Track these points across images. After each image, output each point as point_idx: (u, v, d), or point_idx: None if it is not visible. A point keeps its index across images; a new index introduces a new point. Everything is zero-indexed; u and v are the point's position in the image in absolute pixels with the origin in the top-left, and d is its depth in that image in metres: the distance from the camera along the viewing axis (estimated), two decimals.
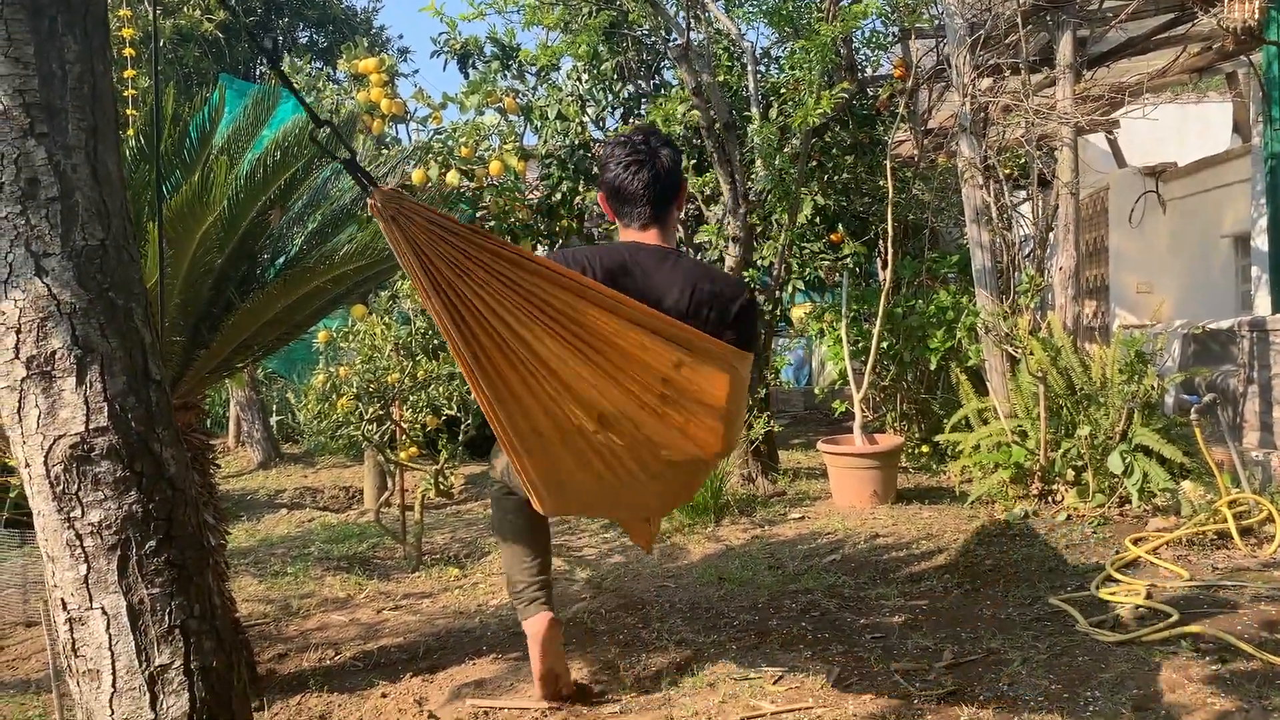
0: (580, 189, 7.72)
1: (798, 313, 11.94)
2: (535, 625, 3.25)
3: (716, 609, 4.28)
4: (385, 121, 6.56)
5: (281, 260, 3.60)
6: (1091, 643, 3.63)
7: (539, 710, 3.28)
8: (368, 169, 3.79)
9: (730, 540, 5.42)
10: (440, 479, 6.59)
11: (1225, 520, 4.82)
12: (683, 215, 5.91)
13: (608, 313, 2.27)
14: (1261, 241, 6.94)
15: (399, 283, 5.53)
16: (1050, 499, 5.55)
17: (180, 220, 2.69)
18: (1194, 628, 3.61)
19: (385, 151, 6.76)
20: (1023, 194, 7.25)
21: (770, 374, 6.66)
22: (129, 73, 5.41)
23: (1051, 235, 6.26)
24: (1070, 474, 5.49)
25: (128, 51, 5.47)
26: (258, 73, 9.06)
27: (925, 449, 6.95)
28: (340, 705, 3.50)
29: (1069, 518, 5.31)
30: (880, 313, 6.45)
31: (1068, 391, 5.62)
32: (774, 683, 3.43)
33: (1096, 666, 3.39)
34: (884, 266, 6.48)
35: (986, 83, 6.54)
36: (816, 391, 7.13)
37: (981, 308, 6.00)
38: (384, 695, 3.54)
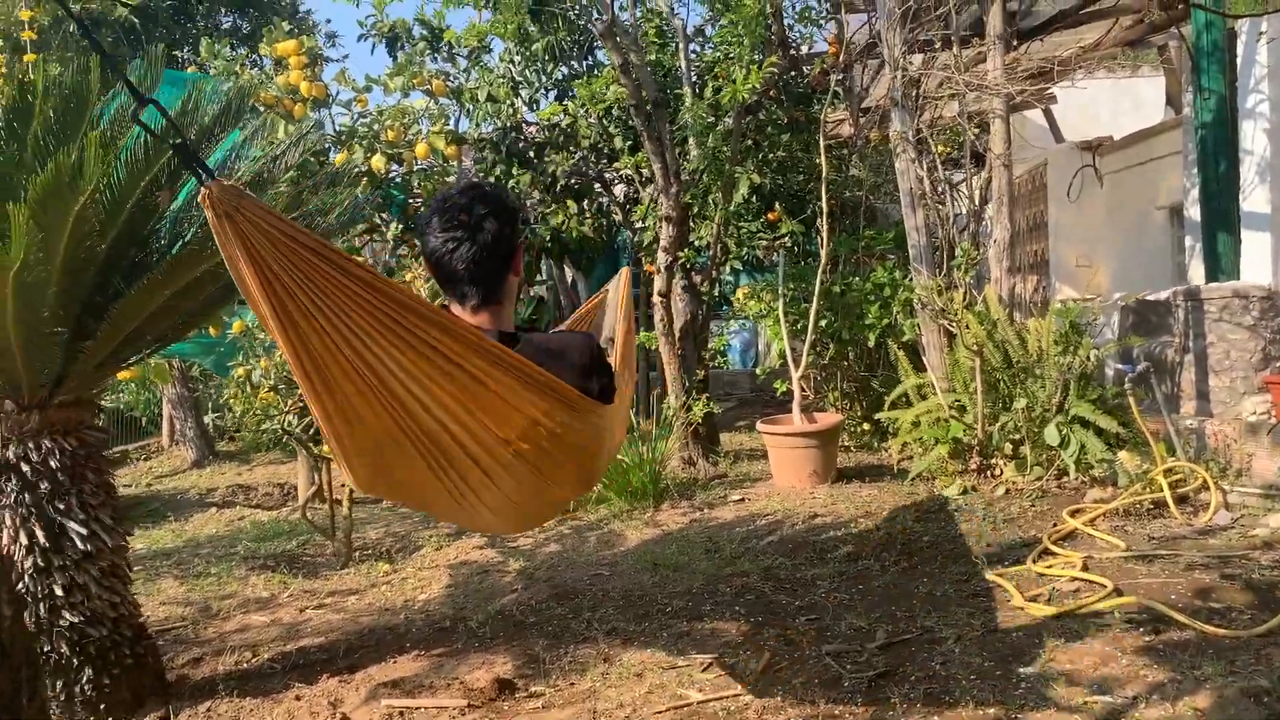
0: (514, 173, 7.56)
1: (740, 294, 11.91)
2: None
3: (650, 596, 4.17)
4: (307, 106, 6.36)
5: (178, 246, 3.41)
6: (1026, 618, 3.57)
7: (456, 708, 3.16)
8: (286, 154, 3.64)
9: (669, 525, 5.32)
10: None
11: (1161, 489, 4.80)
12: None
13: (470, 350, 2.07)
14: (1195, 212, 6.95)
15: None
16: (989, 473, 5.50)
17: (49, 202, 2.51)
18: (1127, 599, 3.56)
19: (307, 136, 6.55)
20: (960, 173, 7.22)
21: (708, 355, 6.56)
22: (29, 57, 5.15)
23: (987, 209, 6.21)
24: (1008, 447, 5.45)
25: (26, 34, 5.22)
26: (181, 57, 8.78)
27: (866, 426, 6.90)
28: (251, 710, 3.35)
29: (1007, 491, 5.27)
30: (817, 291, 6.37)
31: (1005, 365, 5.58)
32: (703, 670, 3.34)
33: (1030, 642, 3.33)
34: (823, 245, 6.40)
35: (919, 58, 6.48)
36: (758, 372, 7.05)
37: (916, 283, 5.94)
38: (298, 698, 3.39)
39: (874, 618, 3.71)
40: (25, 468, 3.14)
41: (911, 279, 6.09)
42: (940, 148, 6.68)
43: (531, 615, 4.06)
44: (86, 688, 3.26)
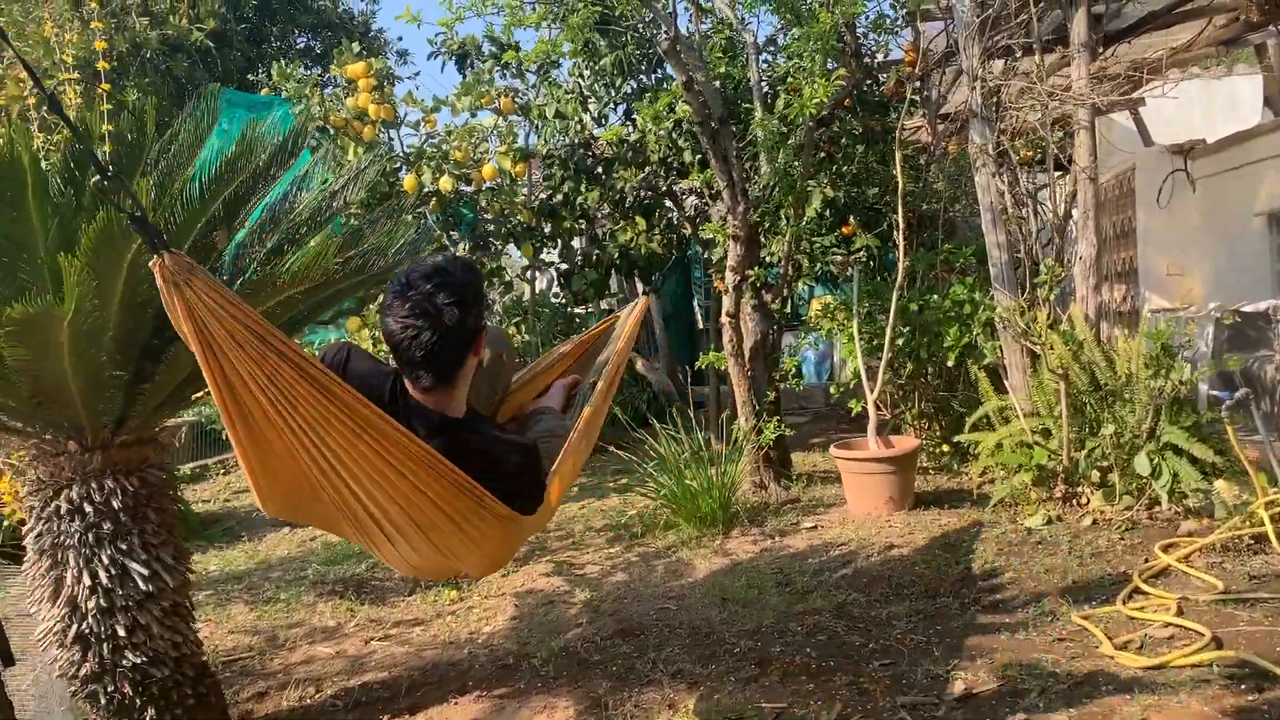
0: (583, 189, 7.49)
1: (816, 305, 11.69)
2: None
3: (718, 634, 4.05)
4: (375, 127, 6.36)
5: (239, 283, 3.40)
6: (1116, 669, 3.36)
7: None
8: (356, 177, 3.60)
9: (738, 554, 5.18)
10: None
11: (1262, 523, 4.52)
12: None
13: (396, 447, 2.18)
14: None
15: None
16: (1075, 502, 5.26)
17: (101, 250, 2.49)
18: (1227, 652, 3.33)
19: (366, 171, 6.58)
20: (1043, 178, 6.94)
21: (779, 375, 6.40)
22: (104, 87, 5.22)
23: (1071, 222, 5.96)
24: (1095, 475, 5.20)
25: (102, 65, 5.28)
26: (255, 80, 8.91)
27: (945, 448, 6.67)
28: None
29: (1095, 522, 5.02)
30: (893, 309, 6.17)
31: (1091, 387, 5.33)
32: None
33: (1120, 699, 3.13)
34: (900, 259, 6.20)
35: (999, 65, 6.25)
36: (832, 390, 6.87)
37: (997, 302, 5.72)
38: None
39: (952, 664, 3.54)
40: (88, 508, 3.13)
41: (993, 297, 5.86)
42: (1024, 151, 6.42)
43: (596, 653, 3.96)
44: None
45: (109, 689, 3.19)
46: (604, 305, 10.09)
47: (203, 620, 4.78)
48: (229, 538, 6.77)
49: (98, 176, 1.84)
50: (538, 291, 8.48)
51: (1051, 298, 5.67)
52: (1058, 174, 6.53)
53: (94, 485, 3.15)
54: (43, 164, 2.78)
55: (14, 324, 2.46)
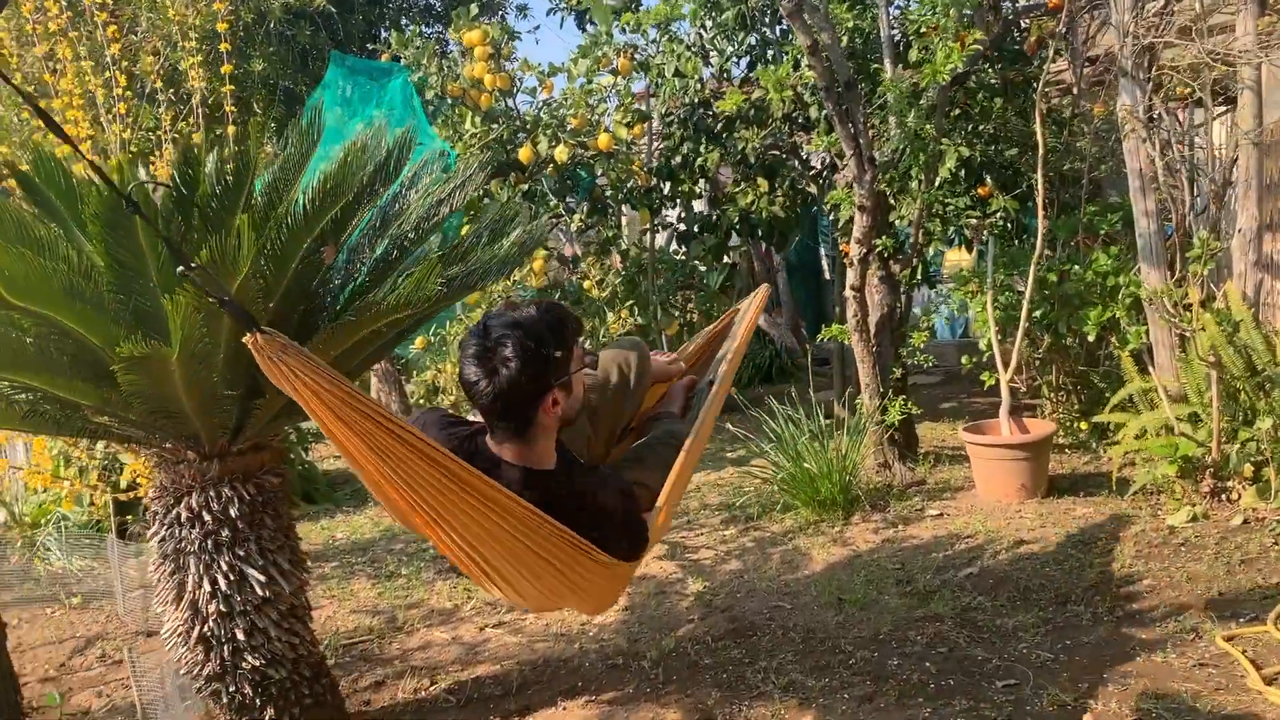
0: (702, 150, 7.29)
1: (953, 255, 11.20)
2: None
3: (833, 640, 3.94)
4: (492, 95, 6.29)
5: (349, 289, 3.39)
6: (1264, 706, 3.12)
7: None
8: (463, 184, 3.54)
9: (858, 543, 5.03)
10: None
11: None
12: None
13: (492, 505, 2.17)
14: None
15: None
16: (1224, 497, 4.91)
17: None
18: None
19: (494, 126, 6.52)
20: (1201, 117, 6.39)
21: (907, 352, 6.14)
22: (226, 68, 5.28)
23: (1231, 191, 5.49)
24: (1249, 470, 4.83)
25: (224, 46, 5.33)
26: (370, 48, 8.94)
27: (1084, 425, 6.32)
28: None
29: (1246, 522, 4.69)
30: (1030, 280, 5.83)
31: (1247, 373, 4.93)
32: None
33: None
34: (1041, 224, 5.82)
35: (1153, 6, 5.74)
36: (964, 362, 6.56)
37: (1145, 281, 5.33)
38: None
39: (1081, 690, 3.34)
40: (207, 516, 3.20)
41: (1138, 272, 5.47)
42: (1180, 89, 5.92)
43: (706, 656, 3.90)
44: None
45: (230, 689, 3.29)
46: (726, 259, 9.93)
47: (327, 597, 4.93)
48: (357, 500, 6.95)
49: (181, 268, 1.82)
50: (658, 248, 8.35)
51: (1205, 273, 5.25)
52: (1220, 110, 6.01)
53: (212, 493, 3.21)
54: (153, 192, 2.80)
55: (125, 360, 2.48)
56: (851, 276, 5.89)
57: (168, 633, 3.34)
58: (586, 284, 5.37)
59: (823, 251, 11.71)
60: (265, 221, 2.79)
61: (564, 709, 3.58)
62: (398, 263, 3.35)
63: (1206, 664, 3.47)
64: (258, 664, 3.26)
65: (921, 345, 6.04)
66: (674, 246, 8.73)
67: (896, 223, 6.46)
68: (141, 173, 2.93)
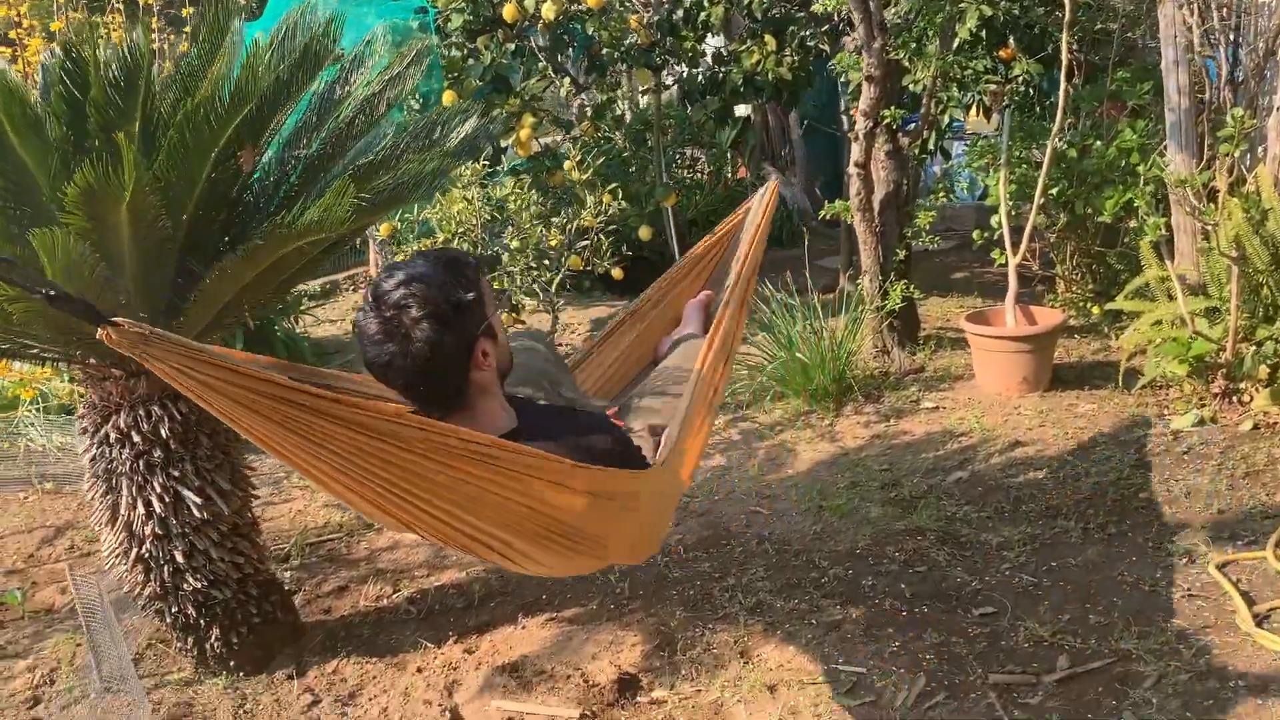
0: (706, 5, 6.77)
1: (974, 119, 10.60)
2: None
3: (808, 554, 3.79)
4: None
5: (284, 190, 3.09)
6: (1252, 655, 2.95)
7: (569, 718, 2.94)
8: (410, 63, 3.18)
9: (847, 439, 4.84)
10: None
11: None
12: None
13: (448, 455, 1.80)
14: None
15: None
16: (1236, 399, 4.65)
17: (96, 198, 2.22)
18: None
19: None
20: None
21: (911, 232, 5.77)
22: None
23: (1272, 60, 5.00)
24: (1264, 371, 4.55)
25: None
26: None
27: (1096, 310, 6.01)
28: (375, 679, 3.28)
29: (1256, 427, 4.44)
30: (1048, 155, 5.42)
31: (1273, 266, 4.59)
32: (845, 693, 2.96)
33: (1255, 698, 2.73)
34: (1064, 89, 5.37)
35: None
36: (975, 237, 6.21)
37: (1171, 163, 4.92)
38: (419, 670, 3.28)
39: (1060, 624, 3.18)
40: (136, 436, 3.02)
41: (1164, 152, 5.05)
42: None
43: (676, 569, 3.77)
44: (216, 644, 3.26)
45: (173, 610, 3.19)
46: (738, 111, 9.43)
47: (300, 487, 4.82)
48: (350, 369, 6.78)
49: None
50: (664, 103, 7.88)
51: (1237, 154, 4.84)
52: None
53: (141, 412, 3.02)
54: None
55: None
56: (856, 152, 5.50)
57: (106, 551, 3.22)
58: (567, 164, 5.00)
59: (842, 105, 11.13)
60: (164, 128, 2.49)
61: (523, 627, 3.47)
62: (333, 160, 3.05)
63: (1196, 595, 3.29)
64: (199, 586, 3.15)
65: (928, 226, 5.67)
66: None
67: (911, 87, 6.00)
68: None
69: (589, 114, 6.83)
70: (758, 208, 3.20)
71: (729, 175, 10.45)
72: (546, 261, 4.44)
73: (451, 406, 2.00)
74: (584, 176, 4.54)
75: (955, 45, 5.77)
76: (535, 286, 4.51)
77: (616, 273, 4.74)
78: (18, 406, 5.73)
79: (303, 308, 7.52)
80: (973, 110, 7.04)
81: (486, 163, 5.12)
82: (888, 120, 5.54)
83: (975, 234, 6.18)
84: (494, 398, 2.08)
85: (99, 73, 2.48)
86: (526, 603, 3.62)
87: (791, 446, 4.83)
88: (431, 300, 1.90)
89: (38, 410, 5.74)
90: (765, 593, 3.53)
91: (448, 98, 5.74)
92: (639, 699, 3.03)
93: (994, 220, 5.87)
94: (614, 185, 4.83)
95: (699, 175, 10.39)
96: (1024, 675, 2.95)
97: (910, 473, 4.40)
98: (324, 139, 3.09)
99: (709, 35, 7.06)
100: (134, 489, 3.05)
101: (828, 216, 6.04)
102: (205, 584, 3.15)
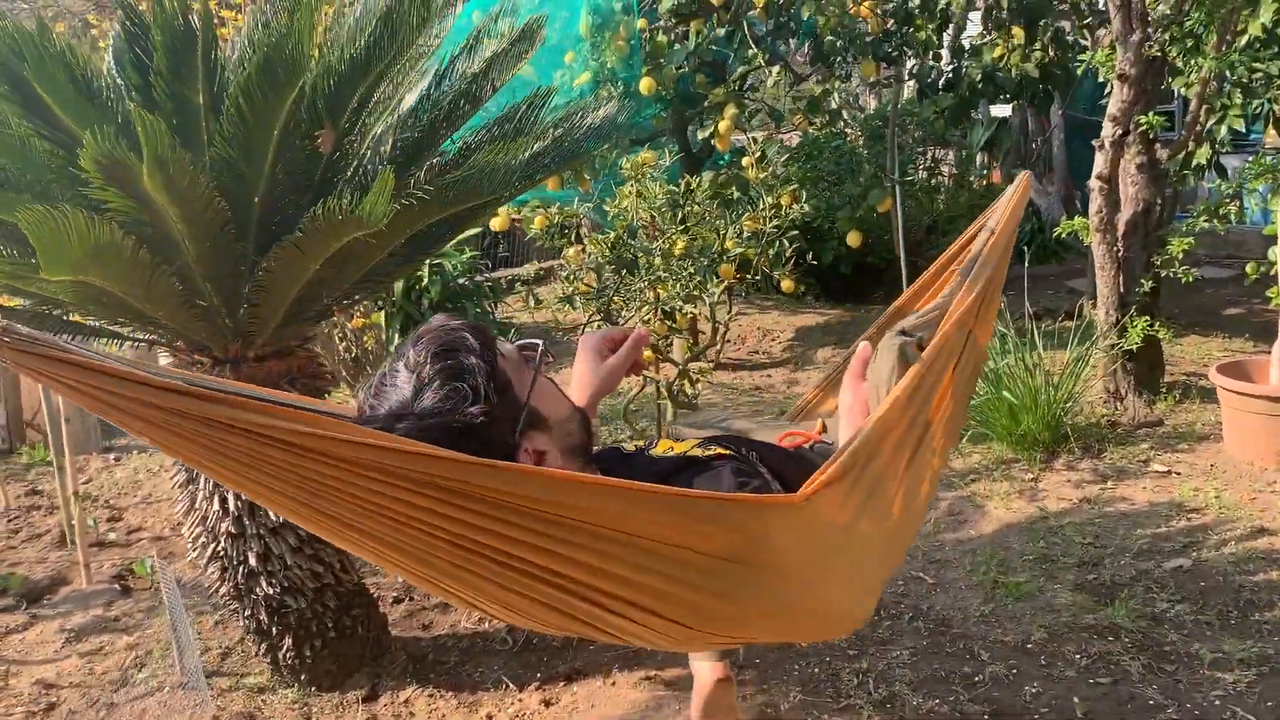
0: None
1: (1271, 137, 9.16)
2: (702, 676, 2.51)
3: (967, 640, 3.16)
4: None
5: (358, 176, 2.82)
6: None
7: None
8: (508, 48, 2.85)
9: (1048, 501, 4.11)
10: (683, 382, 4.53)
11: None
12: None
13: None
14: None
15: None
16: None
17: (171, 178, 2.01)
18: None
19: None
20: None
21: (1162, 259, 4.87)
22: None
23: None
24: None
25: None
26: None
27: None
28: (444, 716, 2.97)
29: None
30: None
31: None
32: None
33: None
34: None
35: None
36: (1248, 271, 5.22)
37: None
38: (488, 717, 2.95)
39: None
40: None
41: None
42: None
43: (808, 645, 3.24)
44: (288, 655, 3.07)
45: (246, 612, 3.02)
46: (994, 110, 8.58)
47: None
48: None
49: None
50: (901, 101, 7.21)
51: None
52: None
53: None
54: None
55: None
56: (1099, 163, 4.71)
57: (189, 540, 3.09)
58: (745, 161, 4.51)
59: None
60: (225, 106, 2.26)
61: (613, 683, 3.07)
62: (424, 150, 2.75)
63: None
64: (272, 591, 2.95)
65: (1181, 254, 4.77)
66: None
67: (1181, 90, 5.10)
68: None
69: (803, 107, 6.29)
70: (1004, 209, 2.33)
71: (976, 179, 9.57)
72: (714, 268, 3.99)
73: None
74: (761, 175, 4.04)
75: (1243, 43, 4.85)
76: (701, 294, 4.08)
77: (787, 284, 4.22)
78: None
79: (517, 291, 7.32)
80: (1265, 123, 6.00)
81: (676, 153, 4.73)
82: (1143, 127, 4.71)
83: (1249, 267, 5.21)
84: (572, 466, 1.55)
85: (164, 36, 2.27)
86: (625, 654, 3.21)
87: (981, 501, 4.16)
88: (437, 430, 1.38)
89: None
90: (903, 683, 2.96)
91: (645, 85, 5.40)
92: None
93: (1270, 253, 4.90)
94: (793, 186, 4.31)
95: (941, 178, 9.57)
96: None
97: (1118, 552, 3.64)
98: (422, 125, 2.79)
99: (949, 26, 6.36)
100: (210, 482, 2.89)
101: (1063, 235, 5.25)
102: (279, 590, 2.95)
